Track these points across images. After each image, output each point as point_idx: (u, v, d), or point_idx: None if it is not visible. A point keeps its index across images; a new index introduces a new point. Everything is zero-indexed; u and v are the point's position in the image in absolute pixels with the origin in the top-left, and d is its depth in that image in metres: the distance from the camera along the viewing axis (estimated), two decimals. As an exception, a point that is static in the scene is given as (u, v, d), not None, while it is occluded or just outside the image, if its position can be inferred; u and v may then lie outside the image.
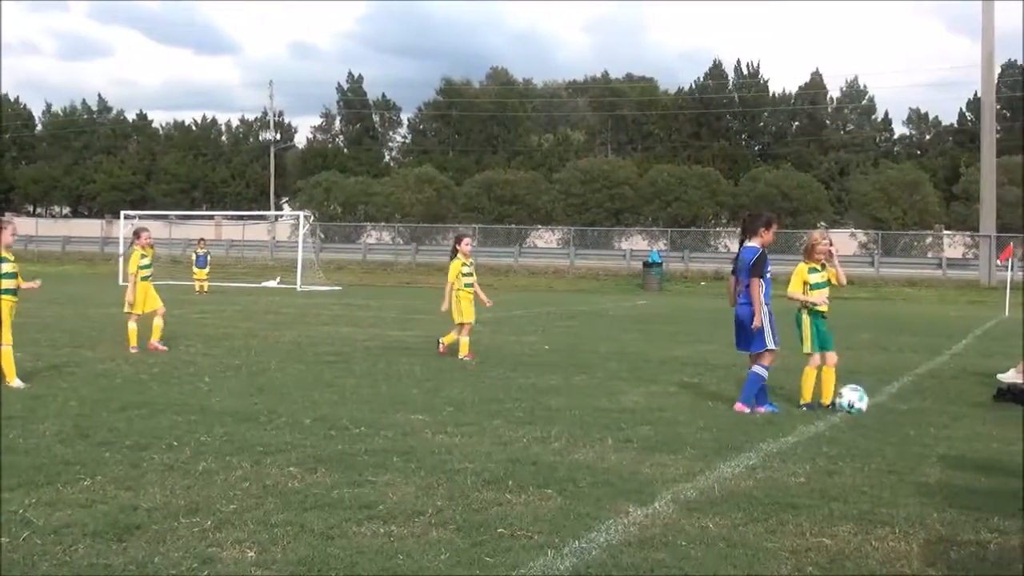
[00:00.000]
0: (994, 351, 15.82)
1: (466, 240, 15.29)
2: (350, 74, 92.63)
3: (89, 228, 71.03)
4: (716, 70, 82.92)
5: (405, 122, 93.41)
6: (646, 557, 5.31)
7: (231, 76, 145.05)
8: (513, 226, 63.75)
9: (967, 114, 75.66)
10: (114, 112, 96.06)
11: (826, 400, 10.50)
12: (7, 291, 11.31)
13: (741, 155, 79.15)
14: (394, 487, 6.69)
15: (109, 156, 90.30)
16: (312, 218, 54.90)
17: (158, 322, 15.21)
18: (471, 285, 14.72)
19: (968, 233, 52.71)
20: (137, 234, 15.34)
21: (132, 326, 14.91)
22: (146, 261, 15.21)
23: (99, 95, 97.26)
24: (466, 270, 14.65)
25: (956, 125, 78.42)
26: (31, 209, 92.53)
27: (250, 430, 8.61)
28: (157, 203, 77.61)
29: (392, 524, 5.83)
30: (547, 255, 59.92)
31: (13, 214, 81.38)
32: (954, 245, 56.64)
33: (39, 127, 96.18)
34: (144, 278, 15.14)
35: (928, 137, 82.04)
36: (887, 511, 6.34)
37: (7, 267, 11.39)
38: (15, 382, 11.17)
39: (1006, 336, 18.98)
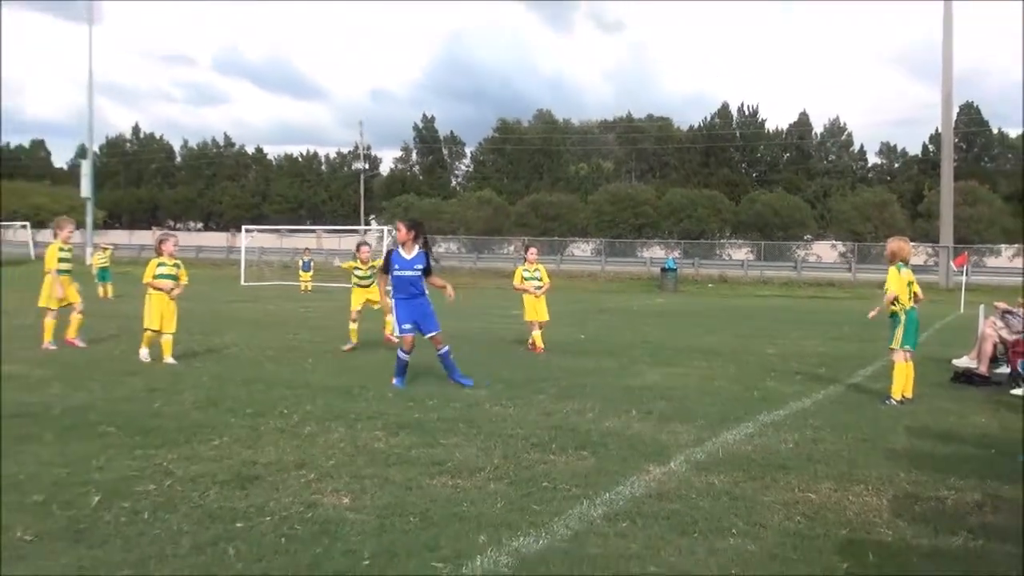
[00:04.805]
0: (951, 341, 15.54)
1: (531, 250, 14.78)
2: (424, 115, 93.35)
3: (216, 239, 71.82)
4: (723, 111, 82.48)
5: (468, 154, 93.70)
6: (663, 507, 5.31)
7: (324, 117, 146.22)
8: (555, 238, 63.77)
9: (929, 146, 74.39)
10: (236, 147, 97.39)
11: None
12: (160, 288, 11.74)
13: (741, 181, 78.48)
14: (460, 448, 6.73)
15: (233, 182, 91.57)
16: (394, 232, 55.15)
17: (77, 317, 13.24)
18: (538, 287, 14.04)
19: (929, 244, 51.86)
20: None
21: (49, 320, 12.92)
22: (65, 255, 13.03)
23: (225, 134, 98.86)
24: (527, 275, 14.16)
25: (920, 155, 77.19)
26: (172, 223, 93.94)
27: (345, 401, 8.70)
28: (271, 219, 78.34)
29: (458, 478, 5.86)
30: (583, 262, 59.79)
31: (157, 227, 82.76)
32: (917, 254, 55.79)
33: (178, 159, 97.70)
34: (62, 271, 12.94)
35: (896, 165, 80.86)
36: (862, 472, 6.29)
37: (163, 270, 11.74)
38: (168, 360, 11.39)
39: (961, 329, 18.63)
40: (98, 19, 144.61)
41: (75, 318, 13.16)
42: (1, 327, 11.18)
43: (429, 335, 9.97)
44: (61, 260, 12.92)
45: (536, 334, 13.99)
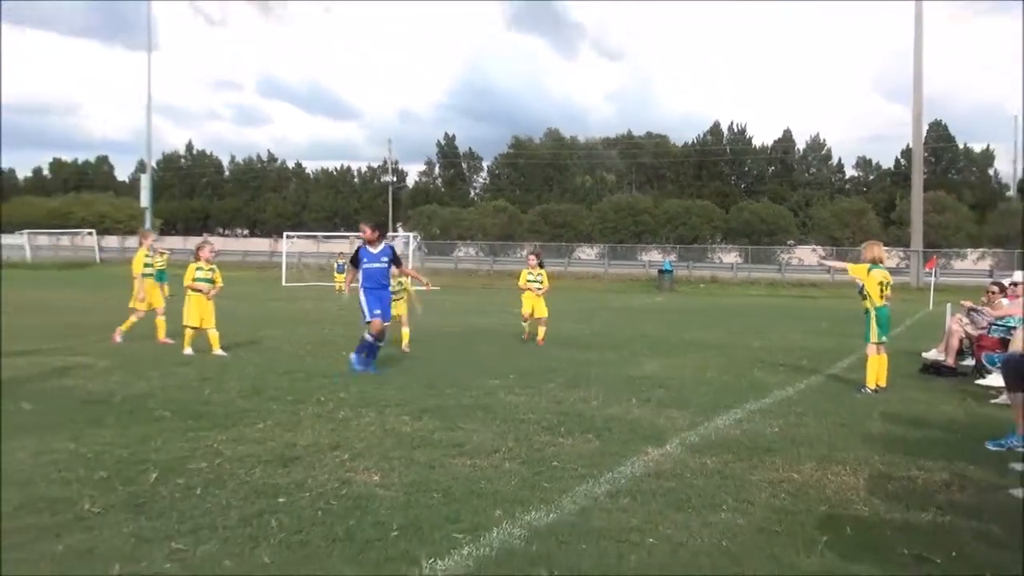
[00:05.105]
0: (921, 336, 15.43)
1: (531, 257, 14.83)
2: (445, 133, 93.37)
3: (261, 244, 72.20)
4: (714, 129, 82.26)
5: (485, 168, 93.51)
6: (661, 485, 5.30)
7: (357, 136, 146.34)
8: (563, 243, 63.67)
9: (901, 160, 73.78)
10: (278, 162, 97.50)
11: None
12: (198, 290, 11.85)
13: (731, 191, 78.13)
14: (477, 432, 6.73)
15: (275, 193, 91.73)
16: (419, 237, 55.19)
17: (160, 320, 13.07)
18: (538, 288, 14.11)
19: (902, 248, 51.52)
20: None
21: (132, 319, 12.94)
22: (149, 261, 13.33)
23: (268, 150, 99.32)
24: (530, 278, 14.25)
25: (893, 168, 76.66)
26: (221, 230, 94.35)
27: (375, 389, 8.70)
28: (309, 227, 78.29)
29: (476, 458, 5.87)
30: (588, 265, 59.56)
31: (208, 233, 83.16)
32: (891, 257, 55.47)
33: (227, 173, 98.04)
34: (146, 275, 13.18)
35: (871, 177, 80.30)
36: (840, 454, 6.26)
37: (201, 273, 11.85)
38: (218, 352, 11.46)
39: (930, 325, 18.50)
40: (156, 48, 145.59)
41: (159, 322, 13.06)
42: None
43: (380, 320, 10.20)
44: (146, 266, 13.18)
45: (540, 329, 14.12)
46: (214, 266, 12.22)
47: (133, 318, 13.03)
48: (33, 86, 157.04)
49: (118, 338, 12.73)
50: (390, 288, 10.61)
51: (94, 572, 3.71)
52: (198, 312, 11.74)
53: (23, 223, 67.82)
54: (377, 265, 10.15)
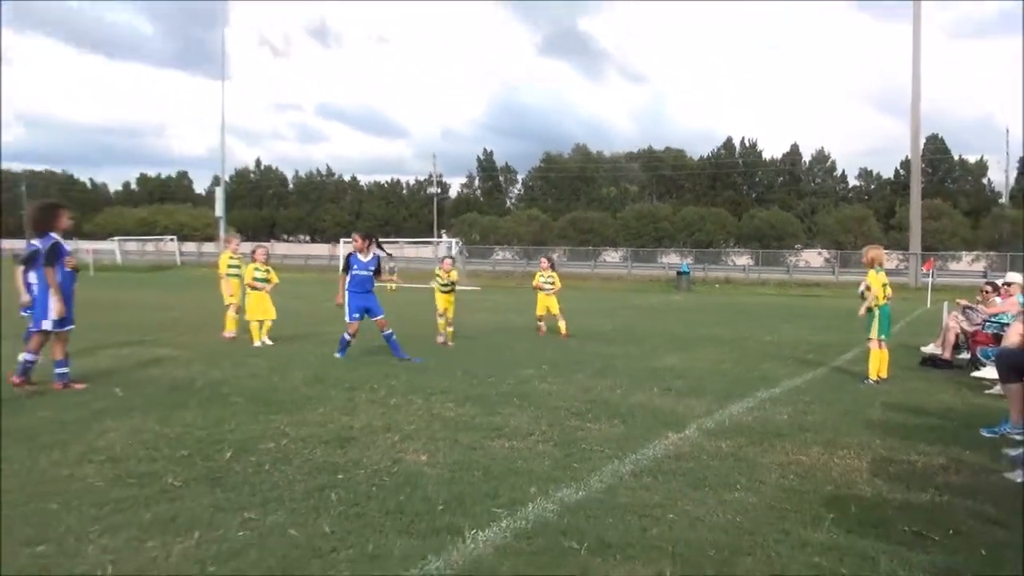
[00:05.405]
0: (919, 332, 15.14)
1: (543, 261, 15.11)
2: (484, 149, 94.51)
3: (320, 249, 72.68)
4: (727, 144, 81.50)
5: (520, 180, 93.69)
6: (680, 466, 5.26)
7: (405, 152, 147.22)
8: (590, 248, 63.45)
9: (900, 170, 72.50)
10: (336, 176, 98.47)
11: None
12: (256, 288, 12.18)
13: (743, 200, 77.36)
14: (514, 416, 6.73)
15: (333, 203, 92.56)
16: (461, 243, 55.33)
17: (232, 314, 12.95)
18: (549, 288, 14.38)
19: (901, 252, 50.55)
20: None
21: (231, 314, 12.92)
22: (234, 263, 13.30)
23: (327, 165, 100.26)
24: (543, 279, 14.50)
25: (892, 178, 75.35)
26: (286, 237, 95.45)
27: (422, 378, 8.73)
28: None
29: (513, 440, 5.87)
30: (612, 267, 59.34)
31: (274, 239, 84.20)
32: (890, 260, 54.46)
33: (290, 186, 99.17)
34: (231, 275, 13.17)
35: (872, 186, 79.03)
36: (845, 439, 6.16)
37: (259, 273, 12.12)
38: (265, 341, 11.77)
39: (928, 322, 18.14)
40: (229, 77, 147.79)
41: (230, 316, 12.93)
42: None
43: (377, 318, 10.33)
44: (230, 267, 13.32)
45: (560, 324, 14.31)
46: (269, 267, 12.53)
47: (231, 313, 12.93)
48: (126, 112, 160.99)
49: (227, 335, 12.62)
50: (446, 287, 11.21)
51: (177, 538, 3.78)
52: (259, 306, 12.03)
53: (114, 231, 69.29)
54: (365, 272, 10.34)
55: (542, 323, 14.60)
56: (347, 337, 10.30)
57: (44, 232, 7.51)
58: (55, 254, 7.48)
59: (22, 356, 7.61)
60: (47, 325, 7.49)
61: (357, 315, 10.26)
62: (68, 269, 7.67)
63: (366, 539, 3.80)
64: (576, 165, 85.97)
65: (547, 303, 14.48)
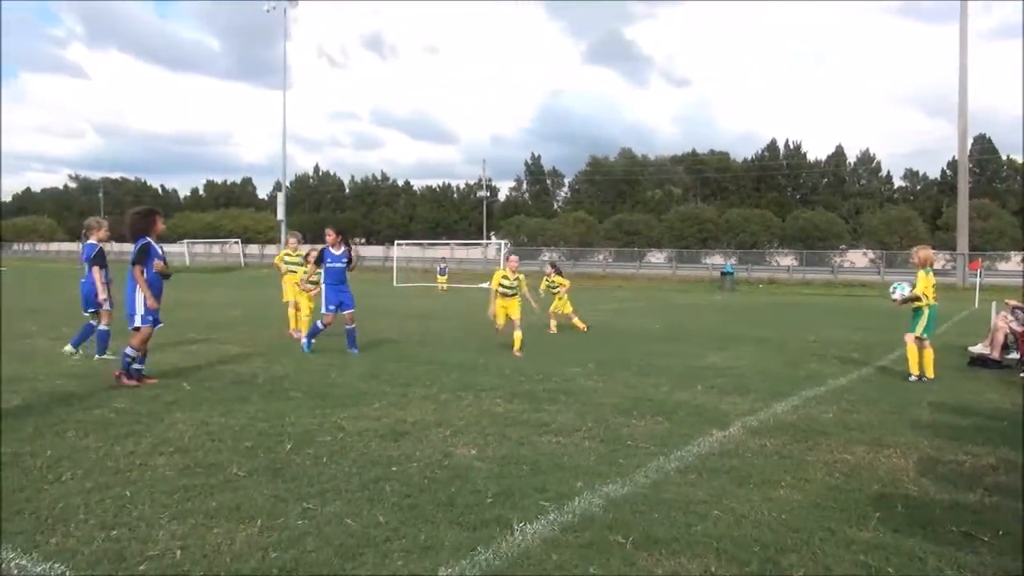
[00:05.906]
0: (967, 332, 14.62)
1: (549, 267, 15.51)
2: (532, 154, 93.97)
3: (376, 251, 73.54)
4: (771, 146, 79.96)
5: (566, 183, 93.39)
6: (724, 463, 5.17)
7: (456, 157, 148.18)
8: (636, 249, 62.91)
9: (947, 171, 70.20)
10: (390, 181, 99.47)
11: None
12: (292, 272, 12.89)
13: (787, 201, 75.71)
14: (561, 413, 6.71)
15: (387, 207, 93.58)
16: (509, 244, 55.41)
17: (293, 311, 12.89)
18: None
19: (948, 252, 48.95)
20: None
21: (292, 311, 12.91)
22: (292, 259, 13.34)
23: (381, 171, 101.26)
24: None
25: (939, 179, 72.98)
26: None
27: (472, 375, 8.76)
28: (416, 236, 79.68)
29: (560, 436, 5.85)
30: (658, 268, 58.60)
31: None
32: (938, 259, 52.81)
33: (347, 190, 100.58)
34: (290, 271, 13.12)
35: (918, 187, 76.64)
36: (891, 438, 5.98)
37: (316, 277, 12.32)
38: (298, 333, 12.02)
39: (975, 321, 17.52)
40: (290, 87, 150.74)
41: (291, 313, 12.94)
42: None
43: (347, 311, 10.55)
44: (286, 263, 13.45)
45: (574, 321, 14.73)
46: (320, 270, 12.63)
47: (292, 310, 12.85)
48: (194, 122, 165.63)
49: (295, 334, 12.41)
50: (508, 291, 11.39)
51: (240, 525, 3.86)
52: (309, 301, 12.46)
53: (183, 234, 71.27)
54: (338, 265, 10.59)
55: (554, 320, 14.72)
56: (320, 326, 10.59)
57: (141, 236, 7.73)
58: (145, 255, 7.71)
59: (127, 351, 7.77)
60: (137, 321, 7.72)
61: (332, 307, 10.50)
62: (155, 272, 7.80)
63: (418, 530, 3.82)
64: (622, 168, 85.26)
65: (557, 304, 14.75)
